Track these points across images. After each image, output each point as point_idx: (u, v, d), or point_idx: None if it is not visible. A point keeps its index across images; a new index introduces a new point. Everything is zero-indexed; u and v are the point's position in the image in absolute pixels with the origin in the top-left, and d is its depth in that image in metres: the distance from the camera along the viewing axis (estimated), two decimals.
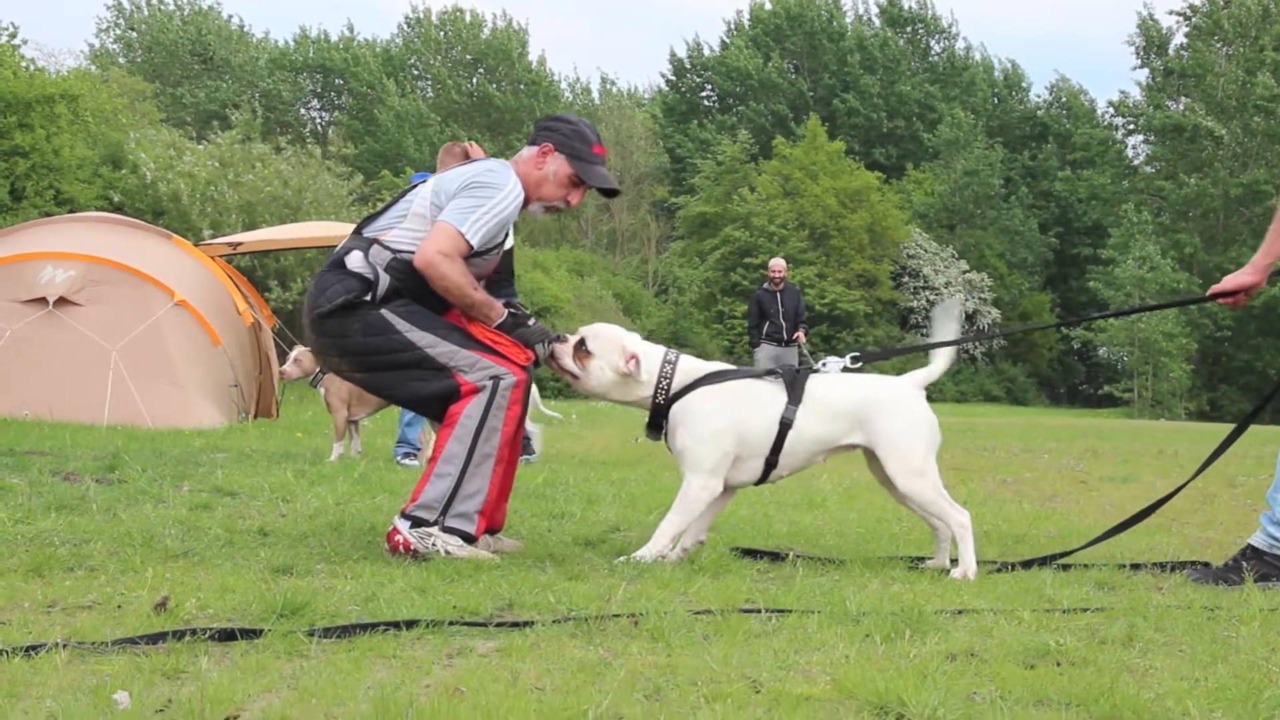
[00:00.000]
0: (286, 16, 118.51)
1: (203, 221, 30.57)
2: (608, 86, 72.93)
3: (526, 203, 5.80)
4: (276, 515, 6.62)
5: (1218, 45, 61.57)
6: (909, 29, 71.60)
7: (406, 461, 10.79)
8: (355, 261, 5.56)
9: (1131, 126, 66.09)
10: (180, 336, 15.61)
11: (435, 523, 5.36)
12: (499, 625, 3.93)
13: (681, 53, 70.31)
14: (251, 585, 4.46)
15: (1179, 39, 63.95)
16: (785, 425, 5.55)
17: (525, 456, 11.93)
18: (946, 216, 62.15)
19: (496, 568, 5.08)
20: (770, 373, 5.71)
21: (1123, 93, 68.76)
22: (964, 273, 57.20)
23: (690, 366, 5.67)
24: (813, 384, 5.65)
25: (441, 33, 65.47)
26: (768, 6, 68.88)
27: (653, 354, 5.66)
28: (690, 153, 63.03)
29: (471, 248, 5.46)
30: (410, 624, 3.84)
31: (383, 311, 5.51)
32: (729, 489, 5.72)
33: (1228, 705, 3.21)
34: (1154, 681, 3.46)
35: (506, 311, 5.64)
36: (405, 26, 67.02)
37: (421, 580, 4.70)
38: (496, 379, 5.40)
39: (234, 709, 2.96)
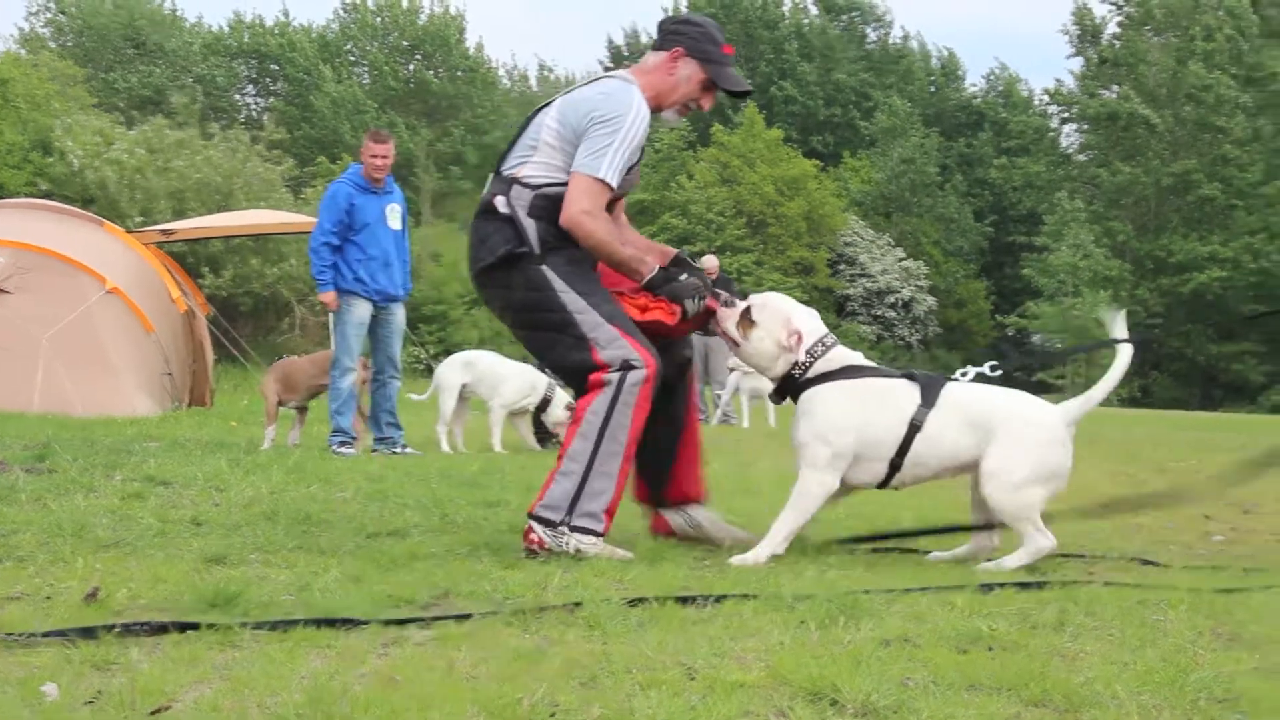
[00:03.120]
0: (220, 1, 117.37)
1: (132, 209, 30.28)
2: (545, 73, 72.74)
3: (658, 110, 5.68)
4: (210, 505, 6.56)
5: (1150, 34, 62.11)
6: (845, 17, 71.74)
7: (342, 450, 10.73)
8: (502, 205, 5.52)
9: (1066, 115, 66.59)
10: (112, 324, 15.49)
11: (562, 523, 5.30)
12: (435, 619, 3.91)
13: (619, 40, 70.28)
14: (184, 575, 4.43)
15: (1112, 28, 64.53)
16: (914, 428, 5.43)
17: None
18: (883, 204, 62.38)
19: (432, 556, 5.07)
20: (908, 375, 5.62)
21: (1058, 81, 69.25)
22: (900, 260, 57.47)
23: (837, 355, 5.60)
24: (951, 390, 5.54)
25: (378, 19, 64.99)
26: None
27: (813, 333, 5.60)
28: None
29: (613, 189, 5.39)
30: (351, 623, 3.79)
31: (544, 267, 5.45)
32: (847, 488, 5.65)
33: (1155, 688, 3.24)
34: (1084, 665, 3.50)
35: (658, 266, 5.55)
36: (342, 12, 66.55)
37: (356, 569, 4.68)
38: (627, 367, 5.28)
39: (165, 700, 2.93)
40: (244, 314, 31.08)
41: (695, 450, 5.97)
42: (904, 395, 5.50)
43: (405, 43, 64.19)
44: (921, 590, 4.51)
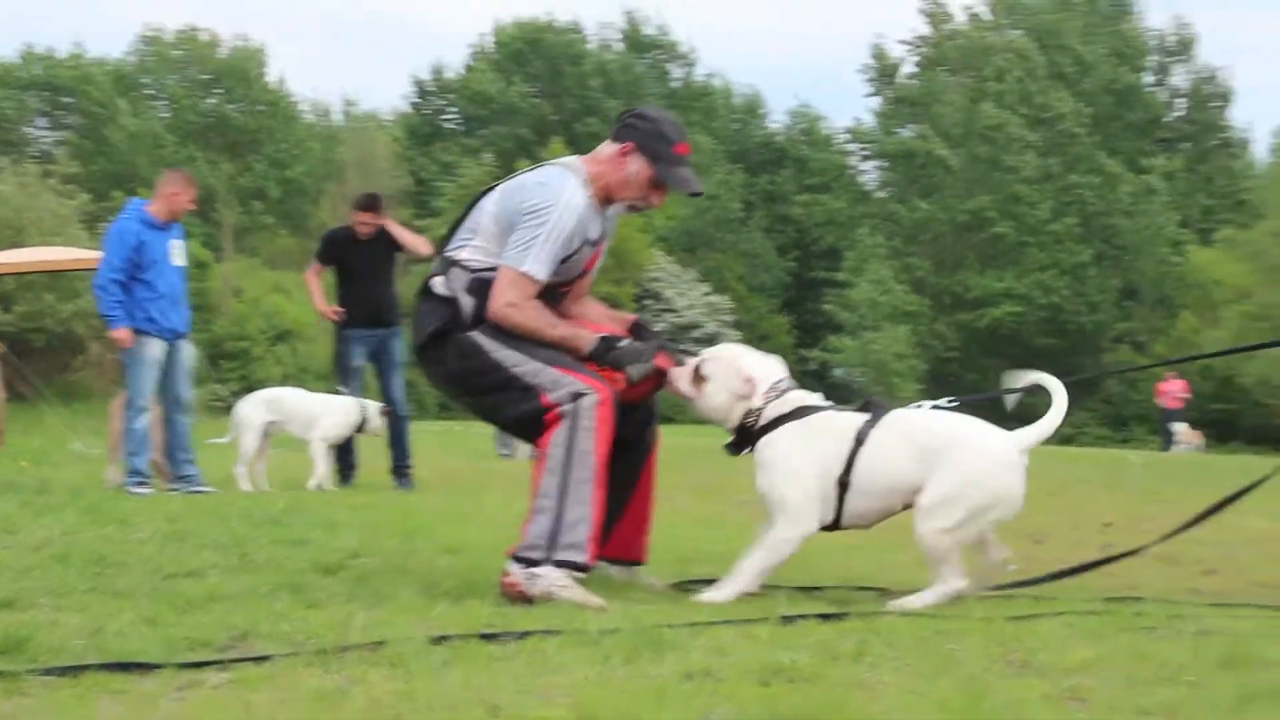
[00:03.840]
0: (10, 32, 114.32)
1: None
2: (349, 108, 72.03)
3: (609, 202, 5.69)
4: None
5: (944, 75, 63.80)
6: (650, 54, 72.37)
7: (138, 490, 10.48)
8: (439, 286, 5.55)
9: (866, 152, 67.99)
10: None
11: (544, 560, 5.19)
12: (233, 661, 3.82)
13: (424, 75, 70.01)
14: None
15: (909, 68, 66.14)
16: (859, 441, 5.40)
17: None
18: (688, 240, 62.94)
19: (231, 597, 4.96)
20: (864, 406, 5.62)
21: (857, 119, 70.78)
22: (705, 295, 58.01)
23: (790, 398, 5.57)
24: (897, 414, 5.54)
25: (176, 51, 63.85)
26: (510, 31, 68.99)
27: (768, 378, 5.59)
28: (434, 175, 62.70)
29: (540, 283, 5.40)
30: (145, 667, 3.69)
31: (473, 334, 5.46)
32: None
33: (950, 716, 3.31)
34: (882, 695, 3.55)
35: (597, 337, 5.51)
36: (139, 44, 65.21)
37: (152, 612, 4.56)
38: (578, 398, 5.24)
39: None
40: (37, 351, 30.16)
41: (646, 512, 5.96)
42: (851, 423, 5.50)
43: (205, 76, 63.13)
44: (725, 623, 4.55)
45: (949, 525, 5.29)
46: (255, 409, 12.09)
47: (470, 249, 5.56)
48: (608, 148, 5.71)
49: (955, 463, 5.33)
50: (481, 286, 5.48)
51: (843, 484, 5.42)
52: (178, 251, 11.21)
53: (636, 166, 5.61)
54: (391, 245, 12.32)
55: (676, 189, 5.70)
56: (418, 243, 12.49)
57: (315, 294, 12.70)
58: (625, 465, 5.70)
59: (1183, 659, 4.12)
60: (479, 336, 5.46)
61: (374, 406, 12.00)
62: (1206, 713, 3.43)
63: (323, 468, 11.90)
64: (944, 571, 5.36)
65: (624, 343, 5.58)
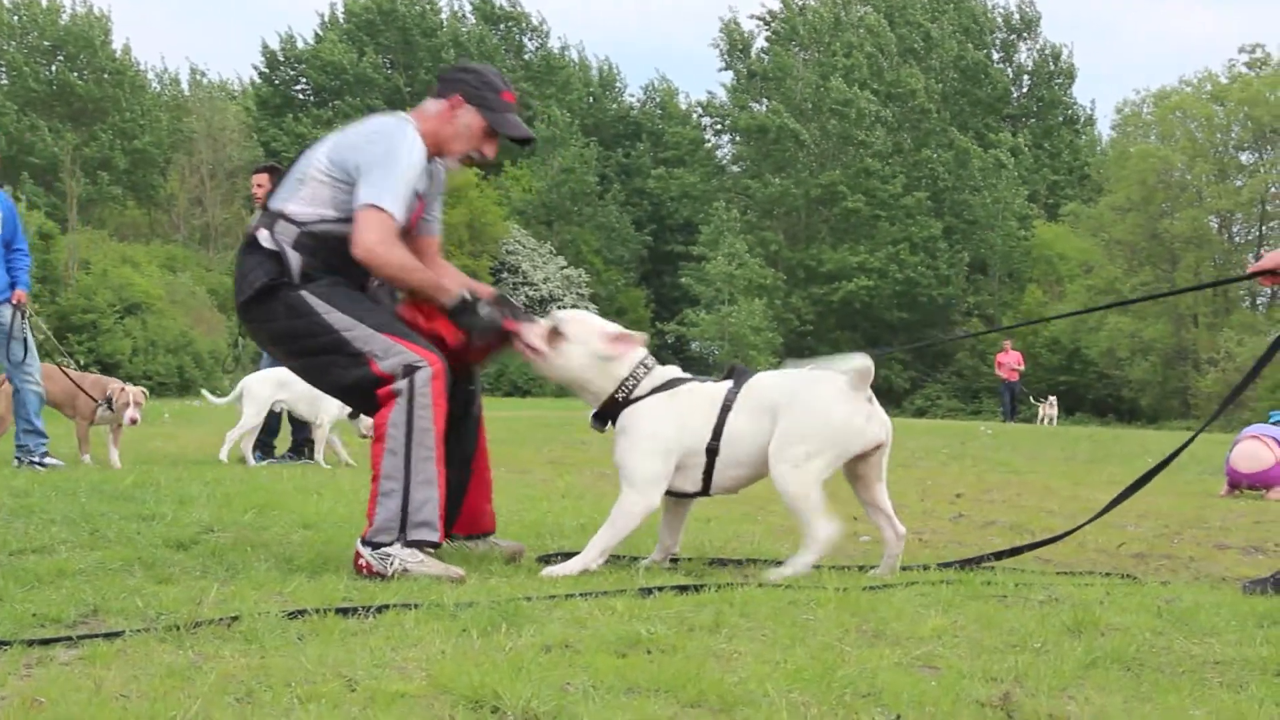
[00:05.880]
0: None
1: None
2: (197, 78, 70.72)
3: (438, 155, 5.58)
4: None
5: (795, 50, 64.25)
6: (503, 26, 72.01)
7: None
8: (265, 239, 5.37)
9: (719, 127, 68.27)
10: None
11: (395, 541, 5.10)
12: (82, 637, 3.76)
13: (274, 45, 68.96)
14: None
15: (760, 43, 66.50)
16: (725, 408, 5.43)
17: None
18: (544, 213, 62.86)
19: (81, 573, 4.87)
20: (730, 374, 5.62)
21: (710, 94, 71.06)
22: (562, 269, 58.01)
23: (659, 372, 5.58)
24: (752, 380, 5.55)
25: (15, 17, 62.19)
26: (361, 1, 68.17)
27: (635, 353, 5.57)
28: (285, 147, 61.86)
29: (399, 222, 5.27)
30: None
31: (303, 292, 5.32)
32: (677, 498, 5.64)
33: (804, 685, 3.36)
34: (738, 665, 3.60)
35: (459, 294, 5.43)
36: None
37: None
38: (412, 370, 5.14)
39: None
40: None
41: (486, 482, 5.94)
42: (717, 393, 5.52)
43: (46, 43, 61.53)
44: (583, 595, 4.57)
45: (798, 459, 5.33)
46: (266, 386, 11.85)
47: (297, 201, 5.42)
48: (433, 104, 5.64)
49: (793, 405, 5.40)
50: (312, 241, 5.38)
51: (711, 451, 5.46)
52: None
53: (468, 118, 5.58)
54: None
55: (510, 134, 5.65)
56: None
57: None
58: (460, 439, 5.67)
59: (1030, 626, 4.23)
60: (309, 296, 5.35)
61: None
62: (1053, 677, 3.52)
63: (322, 446, 11.89)
64: (810, 523, 5.38)
65: (484, 310, 5.49)
